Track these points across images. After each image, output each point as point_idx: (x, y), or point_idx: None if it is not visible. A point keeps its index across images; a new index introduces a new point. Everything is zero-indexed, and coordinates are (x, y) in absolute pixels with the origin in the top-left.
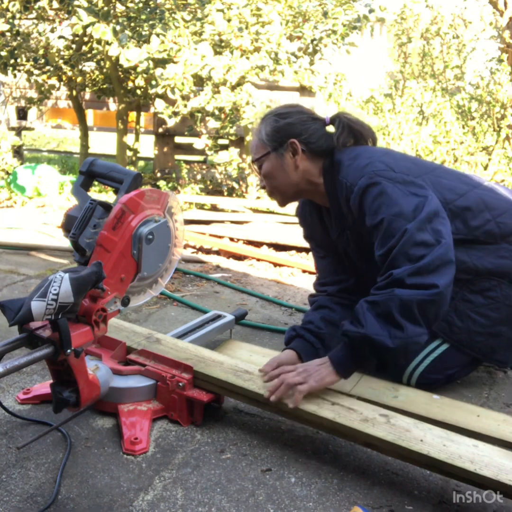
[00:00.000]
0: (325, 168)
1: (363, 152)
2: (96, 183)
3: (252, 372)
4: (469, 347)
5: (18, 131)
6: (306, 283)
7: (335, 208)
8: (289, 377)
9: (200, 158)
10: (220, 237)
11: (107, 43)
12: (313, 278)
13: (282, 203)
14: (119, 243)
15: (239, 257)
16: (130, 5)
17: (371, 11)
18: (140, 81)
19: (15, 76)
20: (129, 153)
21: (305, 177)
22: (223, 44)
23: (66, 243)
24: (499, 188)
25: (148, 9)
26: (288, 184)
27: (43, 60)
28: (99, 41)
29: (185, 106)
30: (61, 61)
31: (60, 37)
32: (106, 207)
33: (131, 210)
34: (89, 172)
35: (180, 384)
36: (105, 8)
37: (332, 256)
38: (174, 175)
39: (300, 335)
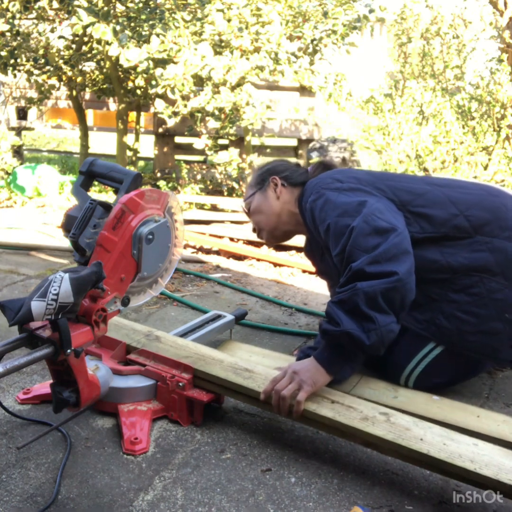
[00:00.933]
0: (298, 198)
1: (322, 174)
2: (96, 183)
3: (252, 370)
4: (466, 348)
5: (18, 131)
6: (306, 283)
7: (310, 232)
8: (283, 388)
9: (200, 158)
10: (220, 237)
11: (107, 43)
12: (313, 278)
13: (270, 240)
14: (119, 243)
15: (239, 257)
16: (130, 5)
17: (371, 11)
18: (140, 81)
19: (15, 76)
20: (129, 153)
21: (286, 208)
22: (223, 44)
23: (66, 243)
24: (472, 185)
25: (148, 9)
26: (272, 215)
27: (43, 60)
28: (99, 41)
29: (185, 106)
30: (61, 61)
31: (60, 37)
32: (106, 207)
33: (131, 210)
34: (89, 172)
35: (180, 384)
36: (105, 8)
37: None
38: (174, 175)
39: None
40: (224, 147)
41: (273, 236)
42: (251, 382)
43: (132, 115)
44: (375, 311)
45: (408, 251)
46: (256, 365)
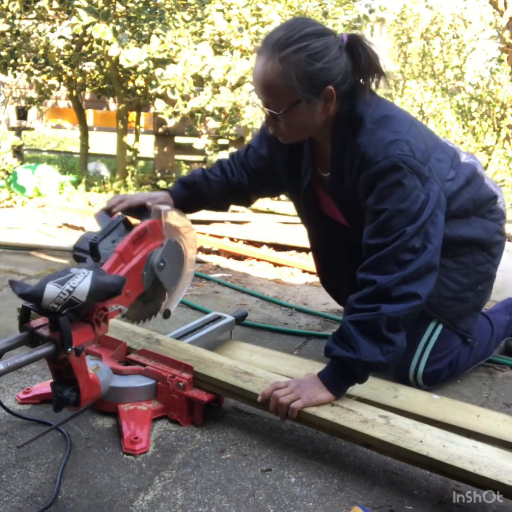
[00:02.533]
0: (341, 116)
1: (388, 116)
2: (96, 183)
3: (252, 373)
4: (437, 311)
5: (18, 131)
6: (306, 283)
7: (336, 161)
8: (282, 397)
9: (200, 158)
10: (220, 237)
11: (107, 43)
12: (313, 278)
13: (288, 142)
14: (135, 258)
15: (239, 257)
16: (130, 5)
17: (371, 11)
18: (140, 81)
19: (15, 76)
20: (129, 153)
21: (324, 120)
22: (223, 44)
23: (66, 243)
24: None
25: (148, 9)
26: (310, 130)
27: (43, 60)
28: (99, 41)
29: (185, 106)
30: (61, 61)
31: (60, 37)
32: (128, 226)
33: (152, 233)
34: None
35: (180, 384)
36: (105, 8)
37: (263, 175)
38: (174, 175)
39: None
40: (224, 147)
41: (296, 141)
42: (251, 385)
43: (132, 115)
44: (394, 333)
45: (435, 266)
46: (256, 369)
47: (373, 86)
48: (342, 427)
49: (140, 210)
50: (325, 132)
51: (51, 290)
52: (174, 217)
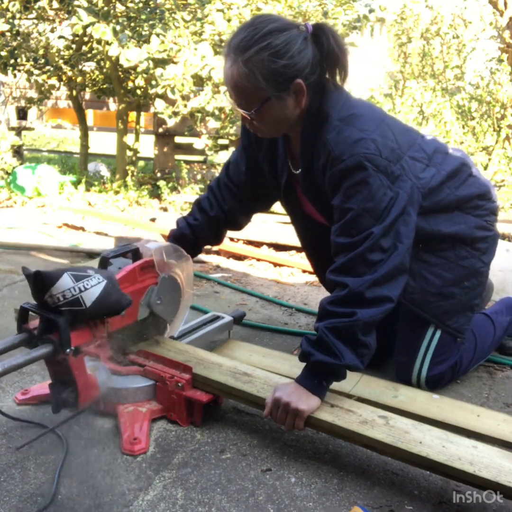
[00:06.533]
0: (309, 112)
1: (355, 114)
2: (96, 183)
3: (251, 374)
4: (422, 307)
5: (18, 131)
6: (306, 283)
7: (306, 158)
8: (282, 423)
9: (200, 158)
10: None
11: (107, 43)
12: (313, 278)
13: (266, 137)
14: (138, 284)
15: (239, 257)
16: (130, 5)
17: (371, 11)
18: (140, 81)
19: (15, 76)
20: (129, 153)
21: (297, 115)
22: (223, 44)
23: (66, 243)
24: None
25: (148, 9)
26: (285, 124)
27: (43, 60)
28: (99, 41)
29: (185, 106)
30: (61, 61)
31: (60, 37)
32: (136, 256)
33: (156, 267)
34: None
35: (179, 384)
36: (105, 8)
37: (248, 189)
38: (174, 175)
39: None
40: (224, 147)
41: (273, 136)
42: (250, 386)
43: (132, 115)
44: (368, 336)
45: (406, 269)
46: (255, 369)
47: (339, 81)
48: (342, 429)
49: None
50: (297, 128)
51: (66, 281)
52: (167, 252)
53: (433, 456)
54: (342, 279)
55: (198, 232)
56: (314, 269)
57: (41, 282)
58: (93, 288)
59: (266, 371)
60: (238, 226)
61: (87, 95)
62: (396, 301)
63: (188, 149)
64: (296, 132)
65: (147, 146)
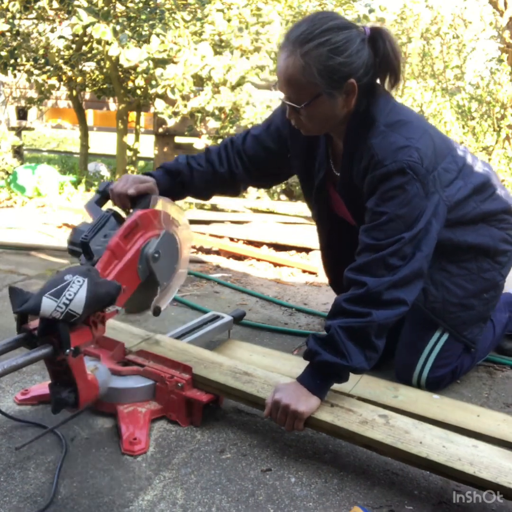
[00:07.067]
0: (356, 114)
1: (402, 121)
2: (96, 183)
3: (251, 374)
4: (442, 317)
5: (18, 131)
6: (306, 283)
7: (347, 158)
8: (282, 424)
9: None
10: (220, 237)
11: (107, 43)
12: (313, 278)
13: (309, 134)
14: (128, 253)
15: (239, 257)
16: (130, 5)
17: (371, 11)
18: (140, 81)
19: (15, 76)
20: (129, 153)
21: (345, 115)
22: (223, 44)
23: (66, 243)
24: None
25: (148, 9)
26: (331, 123)
27: (43, 60)
28: (99, 41)
29: (185, 106)
30: (61, 61)
31: (60, 37)
32: (119, 219)
33: (143, 225)
34: (105, 192)
35: (179, 384)
36: (105, 8)
37: (262, 165)
38: None
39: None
40: None
41: (316, 133)
42: (250, 386)
43: (132, 115)
44: (380, 339)
45: (423, 274)
46: (256, 369)
47: (388, 86)
48: (341, 429)
49: (134, 199)
50: (340, 129)
51: (48, 304)
52: (173, 210)
53: (433, 456)
54: (361, 278)
55: (196, 178)
56: (326, 270)
57: (26, 317)
58: (78, 294)
59: (266, 370)
60: (234, 192)
61: (87, 95)
62: (410, 305)
63: (188, 149)
64: (338, 133)
65: (147, 146)
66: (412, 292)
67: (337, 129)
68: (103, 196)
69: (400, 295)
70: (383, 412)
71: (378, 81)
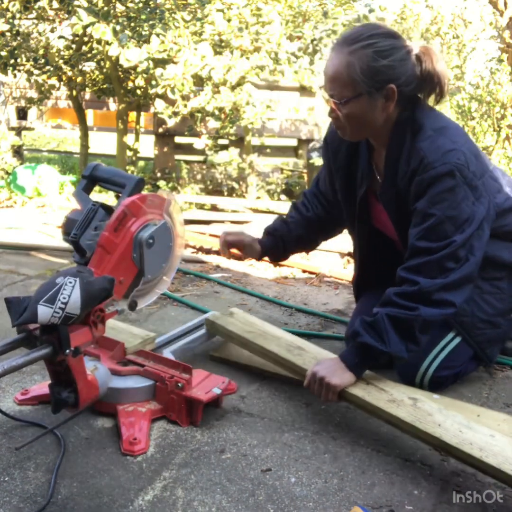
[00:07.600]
0: (400, 121)
1: (447, 127)
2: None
3: (304, 349)
4: (468, 332)
5: (18, 131)
6: (306, 283)
7: (391, 166)
8: (318, 396)
9: (200, 158)
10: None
11: (107, 43)
12: (313, 277)
13: (347, 138)
14: (120, 245)
15: (239, 257)
16: (130, 5)
17: (371, 11)
18: (140, 81)
19: (15, 76)
20: (129, 153)
21: (383, 120)
22: (223, 44)
23: (66, 243)
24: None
25: (148, 9)
26: (369, 127)
27: (43, 60)
28: (99, 41)
29: (185, 106)
30: (61, 61)
31: (60, 37)
32: (108, 210)
33: (132, 213)
34: (91, 176)
35: (179, 384)
36: (105, 8)
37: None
38: (174, 175)
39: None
40: (224, 147)
41: (354, 137)
42: (299, 359)
43: (132, 115)
44: (423, 335)
45: (474, 279)
46: (309, 345)
47: (432, 102)
48: (369, 404)
49: (115, 181)
50: (383, 136)
51: (44, 312)
52: (176, 208)
53: (446, 438)
54: (414, 278)
55: (292, 228)
56: (357, 280)
57: (27, 323)
58: (73, 295)
59: (319, 347)
60: (334, 232)
61: (87, 95)
62: (458, 308)
63: (188, 149)
64: (380, 139)
65: (147, 146)
66: (461, 295)
67: (377, 135)
68: (90, 180)
69: (449, 297)
70: (415, 395)
71: (421, 95)
